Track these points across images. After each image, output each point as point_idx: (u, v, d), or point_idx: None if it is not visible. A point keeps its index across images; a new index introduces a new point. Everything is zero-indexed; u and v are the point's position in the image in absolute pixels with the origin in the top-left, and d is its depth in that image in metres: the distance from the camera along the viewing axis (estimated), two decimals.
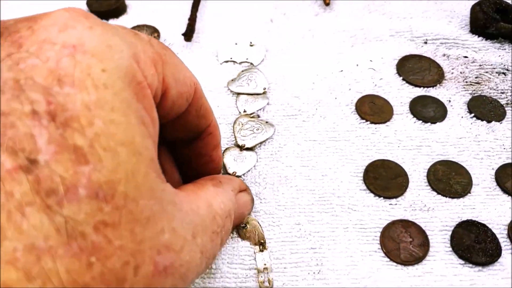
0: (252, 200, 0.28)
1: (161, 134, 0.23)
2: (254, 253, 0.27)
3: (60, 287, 0.12)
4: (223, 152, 0.30)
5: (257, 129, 0.32)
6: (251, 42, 0.38)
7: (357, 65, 0.36)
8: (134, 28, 0.39)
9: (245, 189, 0.26)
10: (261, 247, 0.27)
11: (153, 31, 0.39)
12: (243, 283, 0.25)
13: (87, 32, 0.15)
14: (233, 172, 0.29)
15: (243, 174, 0.30)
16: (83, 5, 0.41)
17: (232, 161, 0.30)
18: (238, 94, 0.34)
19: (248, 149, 0.31)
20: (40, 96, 0.13)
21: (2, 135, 0.12)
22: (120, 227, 0.13)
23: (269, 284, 0.26)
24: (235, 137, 0.31)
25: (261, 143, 0.31)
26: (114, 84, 0.14)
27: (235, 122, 0.32)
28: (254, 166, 0.30)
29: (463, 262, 0.26)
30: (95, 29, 0.15)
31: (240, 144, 0.31)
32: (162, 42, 0.20)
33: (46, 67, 0.13)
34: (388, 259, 0.27)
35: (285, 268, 0.26)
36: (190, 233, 0.17)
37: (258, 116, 0.33)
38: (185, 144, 0.24)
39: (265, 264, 0.26)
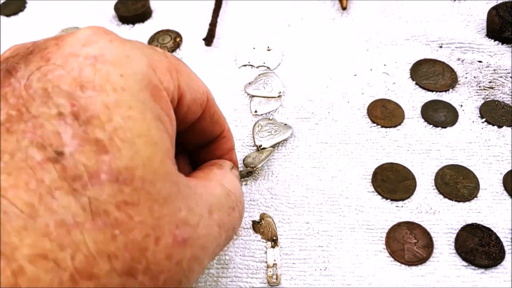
0: (238, 176, 0.28)
1: (179, 143, 0.25)
2: (266, 248, 0.28)
3: (89, 254, 0.14)
4: (243, 160, 0.32)
5: (275, 131, 0.33)
6: (268, 47, 0.39)
7: (371, 69, 0.37)
8: (158, 33, 0.41)
9: (234, 167, 0.28)
10: (273, 244, 0.29)
11: (176, 36, 0.41)
12: (254, 275, 0.27)
13: (107, 45, 0.17)
14: (251, 166, 0.31)
15: (258, 167, 0.31)
16: (111, 10, 0.44)
17: (252, 159, 0.32)
18: (253, 96, 0.36)
19: (265, 148, 0.33)
20: (64, 100, 0.15)
21: (33, 134, 0.15)
22: (139, 206, 0.15)
23: (277, 279, 0.27)
24: (253, 138, 0.33)
25: (278, 143, 0.33)
26: (131, 87, 0.16)
27: (255, 125, 0.34)
28: (271, 154, 0.32)
29: (466, 264, 0.27)
30: (114, 42, 0.17)
31: (258, 144, 0.33)
32: (178, 58, 0.22)
33: (70, 76, 0.16)
34: (393, 259, 0.28)
35: (293, 263, 0.28)
36: (206, 210, 0.19)
37: (269, 119, 0.34)
38: (202, 148, 0.26)
39: (274, 260, 0.28)
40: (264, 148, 0.32)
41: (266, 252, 0.28)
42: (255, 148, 0.33)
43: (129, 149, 0.15)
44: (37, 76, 0.16)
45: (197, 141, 0.26)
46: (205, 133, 0.24)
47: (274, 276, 0.27)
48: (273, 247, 0.29)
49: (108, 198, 0.15)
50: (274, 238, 0.29)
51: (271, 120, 0.34)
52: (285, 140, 0.33)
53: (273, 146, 0.33)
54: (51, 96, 0.15)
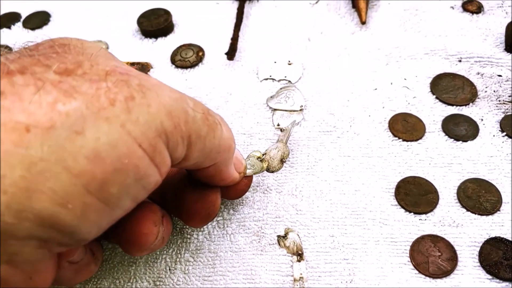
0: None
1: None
2: (292, 262, 0.29)
3: None
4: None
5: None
6: (289, 61, 0.40)
7: (391, 83, 0.38)
8: (181, 47, 0.42)
9: None
10: (298, 258, 0.29)
11: (199, 50, 0.42)
12: None
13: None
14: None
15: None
16: (134, 25, 0.45)
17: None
18: (275, 109, 0.37)
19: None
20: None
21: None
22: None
23: None
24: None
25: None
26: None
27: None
28: (298, 122, 0.35)
29: (490, 277, 0.28)
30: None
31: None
32: (214, 117, 0.23)
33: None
34: (417, 272, 0.28)
35: (319, 276, 0.28)
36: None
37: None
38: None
39: (301, 274, 0.28)
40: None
41: (292, 266, 0.29)
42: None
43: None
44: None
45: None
46: (204, 176, 0.26)
47: None
48: (298, 261, 0.29)
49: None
50: (300, 252, 0.29)
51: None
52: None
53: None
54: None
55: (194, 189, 0.26)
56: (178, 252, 0.30)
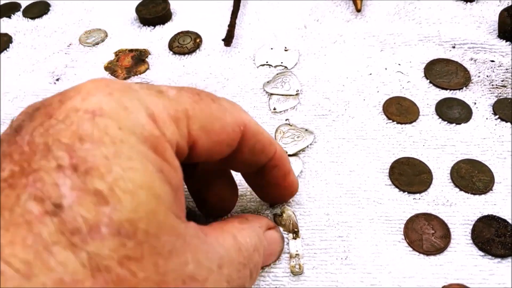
0: (282, 238, 0.28)
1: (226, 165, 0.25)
2: (288, 239, 0.29)
3: None
4: None
5: (297, 137, 0.34)
6: (285, 47, 0.41)
7: (386, 68, 0.38)
8: (179, 34, 0.43)
9: (273, 227, 0.27)
10: (294, 235, 0.30)
11: (196, 37, 0.42)
12: (277, 265, 0.28)
13: (106, 98, 0.17)
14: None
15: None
16: (133, 13, 0.45)
17: None
18: (271, 94, 0.37)
19: (291, 155, 0.33)
20: (63, 153, 0.15)
21: (32, 187, 0.14)
22: (143, 261, 0.15)
23: (300, 269, 0.28)
24: None
25: (302, 150, 0.34)
26: (129, 139, 0.16)
27: (276, 131, 0.35)
28: (301, 171, 0.32)
29: (483, 254, 0.28)
30: (114, 94, 0.17)
31: None
32: (198, 93, 0.21)
33: (69, 129, 0.15)
34: (411, 249, 0.29)
35: (315, 253, 0.29)
36: (216, 264, 0.18)
37: (290, 124, 0.35)
38: (254, 175, 0.26)
39: (297, 251, 0.29)
40: (290, 155, 0.33)
41: (288, 243, 0.29)
42: None
43: (131, 201, 0.15)
44: (39, 132, 0.15)
45: (242, 169, 0.25)
46: (247, 163, 0.24)
47: (297, 266, 0.28)
48: (294, 238, 0.29)
49: (109, 253, 0.14)
50: (296, 229, 0.30)
51: (291, 125, 0.35)
52: (311, 144, 0.34)
53: (297, 153, 0.33)
54: (51, 149, 0.15)
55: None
56: None
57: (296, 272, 0.28)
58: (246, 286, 0.21)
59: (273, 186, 0.27)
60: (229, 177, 0.28)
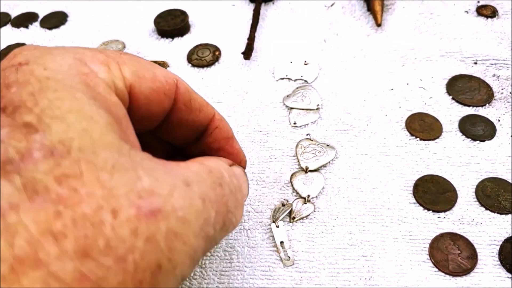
0: (246, 176, 0.25)
1: (167, 142, 0.24)
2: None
3: (30, 237, 0.13)
4: (291, 178, 0.32)
5: (319, 152, 0.34)
6: (305, 61, 0.40)
7: (407, 84, 0.38)
8: (198, 46, 0.43)
9: (234, 164, 0.25)
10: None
11: (215, 49, 0.42)
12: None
13: (30, 51, 0.18)
14: (307, 195, 0.31)
15: (316, 197, 0.32)
16: (151, 24, 0.45)
17: (302, 184, 0.32)
18: (291, 108, 0.37)
19: (312, 171, 0.33)
20: None
21: None
22: (83, 177, 0.14)
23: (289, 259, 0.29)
24: (298, 159, 0.33)
25: (323, 165, 0.33)
26: (56, 76, 0.16)
27: (297, 145, 0.34)
28: (323, 187, 0.32)
29: (511, 275, 0.27)
30: (38, 48, 0.18)
31: (304, 167, 0.33)
32: (126, 53, 0.21)
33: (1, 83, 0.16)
34: (437, 269, 0.28)
35: (338, 273, 0.28)
36: (181, 181, 0.17)
37: (311, 139, 0.35)
38: (197, 145, 0.25)
39: (282, 241, 0.29)
40: (312, 170, 0.33)
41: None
42: (303, 172, 0.33)
43: (60, 124, 0.15)
44: None
45: (185, 136, 0.24)
46: (188, 124, 0.23)
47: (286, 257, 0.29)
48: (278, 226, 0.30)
49: (45, 174, 0.14)
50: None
51: (312, 140, 0.35)
52: (333, 160, 0.33)
53: (319, 169, 0.33)
54: None
55: None
56: None
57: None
58: (232, 207, 0.20)
59: (218, 153, 0.25)
60: None
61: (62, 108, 0.15)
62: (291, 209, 0.31)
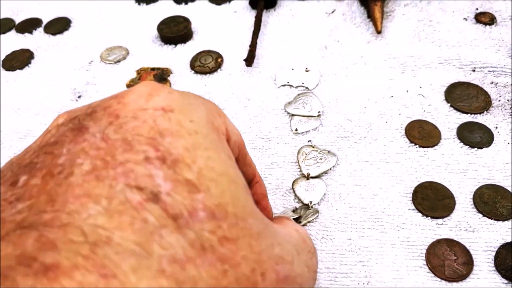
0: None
1: None
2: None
3: None
4: (293, 184, 0.33)
5: (320, 159, 0.34)
6: (306, 68, 0.41)
7: (407, 91, 0.39)
8: (200, 53, 0.43)
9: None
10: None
11: (218, 56, 0.43)
12: None
13: (169, 96, 0.18)
14: (309, 202, 0.32)
15: (318, 203, 0.32)
16: (154, 31, 0.46)
17: (304, 191, 0.33)
18: (293, 115, 0.38)
19: (314, 177, 0.33)
20: (147, 147, 0.16)
21: (126, 178, 0.15)
22: (238, 241, 0.16)
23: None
24: (299, 166, 0.34)
25: (325, 172, 0.34)
26: (202, 130, 0.17)
27: (298, 152, 0.35)
28: (324, 194, 0.33)
29: (506, 281, 0.28)
30: (174, 93, 0.18)
31: (305, 173, 0.34)
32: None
33: (146, 125, 0.16)
34: (433, 275, 0.29)
35: (336, 277, 0.29)
36: (294, 249, 0.19)
37: (312, 146, 0.35)
38: None
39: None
40: (313, 177, 0.33)
41: None
42: (304, 178, 0.34)
43: (216, 187, 0.16)
44: (112, 129, 0.16)
45: None
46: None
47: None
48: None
49: (210, 234, 0.15)
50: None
51: (314, 147, 0.35)
52: (334, 167, 0.34)
53: (320, 175, 0.34)
54: (132, 144, 0.16)
55: None
56: None
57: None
58: (316, 274, 0.22)
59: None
60: None
61: (216, 170, 0.16)
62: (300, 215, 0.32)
